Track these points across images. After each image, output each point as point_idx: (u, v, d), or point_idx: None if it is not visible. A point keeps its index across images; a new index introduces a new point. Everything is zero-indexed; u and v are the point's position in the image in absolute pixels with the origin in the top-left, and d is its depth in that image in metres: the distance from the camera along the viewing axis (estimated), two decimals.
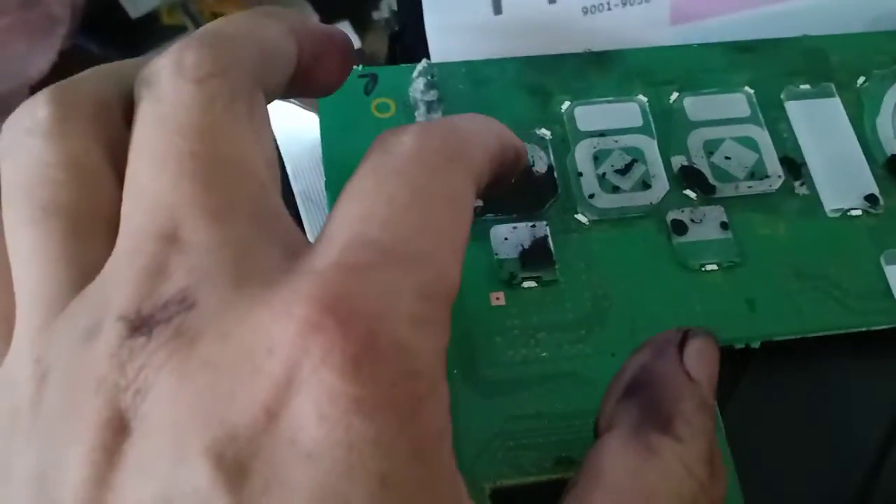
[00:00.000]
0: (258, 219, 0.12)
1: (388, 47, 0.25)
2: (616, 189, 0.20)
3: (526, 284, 0.18)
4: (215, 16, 0.40)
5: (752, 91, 0.21)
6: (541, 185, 0.20)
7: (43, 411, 0.11)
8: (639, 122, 0.21)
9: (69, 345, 0.11)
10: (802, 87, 0.21)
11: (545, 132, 0.20)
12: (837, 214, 0.20)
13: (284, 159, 0.23)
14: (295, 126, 0.24)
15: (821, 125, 0.21)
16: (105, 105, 0.12)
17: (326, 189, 0.20)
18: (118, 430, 0.10)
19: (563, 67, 0.22)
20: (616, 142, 0.20)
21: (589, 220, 0.19)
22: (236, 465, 0.10)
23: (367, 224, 0.11)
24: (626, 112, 0.21)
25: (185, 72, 0.12)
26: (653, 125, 0.21)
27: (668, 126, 0.21)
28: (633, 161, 0.20)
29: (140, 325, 0.10)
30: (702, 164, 0.20)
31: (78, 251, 0.11)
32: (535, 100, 0.21)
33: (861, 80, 0.22)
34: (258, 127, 0.12)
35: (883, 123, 0.21)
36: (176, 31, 0.37)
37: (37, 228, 0.11)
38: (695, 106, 0.21)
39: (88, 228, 0.12)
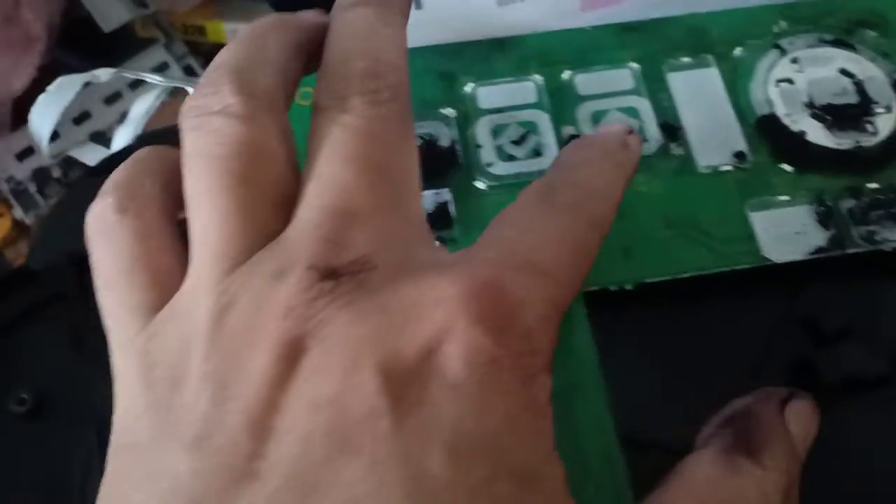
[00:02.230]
0: (418, 216, 0.15)
1: None
2: (511, 158, 0.22)
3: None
4: (186, 27, 0.43)
5: (637, 66, 0.24)
6: (444, 157, 0.22)
7: (225, 330, 0.13)
8: (534, 98, 0.23)
9: (257, 283, 0.13)
10: (683, 59, 0.24)
11: (450, 111, 0.23)
12: (709, 170, 0.22)
13: None
14: None
15: (698, 93, 0.23)
16: (278, 98, 0.15)
17: None
18: (299, 348, 0.12)
19: (468, 53, 0.24)
20: (512, 117, 0.23)
21: (487, 186, 0.22)
22: (398, 382, 0.12)
23: (521, 244, 0.14)
24: (523, 90, 0.23)
25: (372, 95, 0.14)
26: (546, 101, 0.23)
27: (560, 101, 0.23)
28: (527, 133, 0.23)
29: (328, 275, 0.13)
30: (588, 132, 0.23)
31: (259, 218, 0.14)
32: (442, 83, 0.24)
33: (738, 50, 0.24)
34: (413, 145, 0.15)
35: (755, 88, 0.23)
36: (149, 43, 0.40)
37: (227, 195, 0.14)
38: (585, 82, 0.24)
39: (270, 200, 0.14)
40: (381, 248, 0.13)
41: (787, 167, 0.22)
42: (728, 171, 0.22)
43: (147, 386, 0.13)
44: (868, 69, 0.23)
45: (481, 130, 0.23)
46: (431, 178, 0.22)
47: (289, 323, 0.12)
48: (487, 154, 0.22)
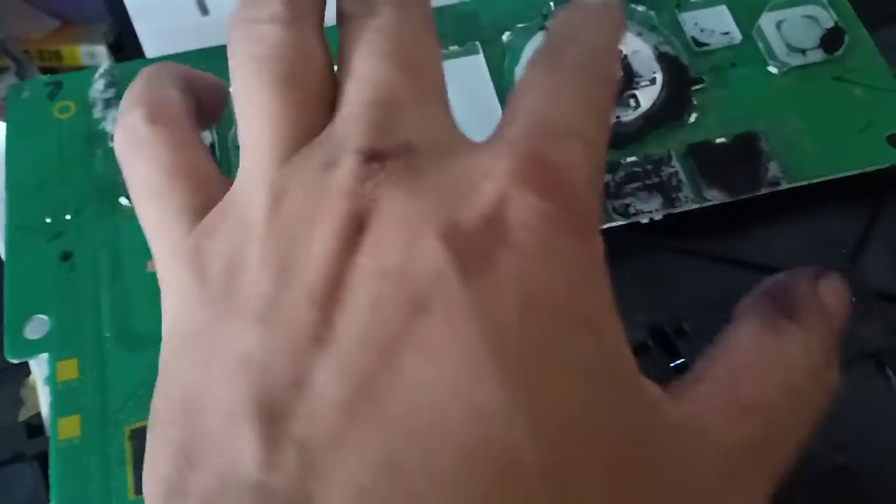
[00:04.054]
0: (448, 105, 0.15)
1: (110, 56, 0.27)
2: None
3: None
4: (42, 53, 0.42)
5: None
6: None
7: (281, 218, 0.13)
8: None
9: (307, 172, 0.13)
10: (452, 48, 0.24)
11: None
12: None
13: None
14: None
15: (464, 81, 0.23)
16: (317, 5, 0.15)
17: (7, 189, 0.22)
18: (356, 224, 0.13)
19: None
20: None
21: None
22: (462, 248, 0.12)
23: (547, 108, 0.14)
24: None
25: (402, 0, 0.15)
26: None
27: None
28: None
29: (374, 158, 0.13)
30: None
31: (304, 114, 0.14)
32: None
33: (506, 35, 0.24)
34: (438, 42, 0.16)
35: (520, 71, 0.23)
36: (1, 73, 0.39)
37: (274, 93, 0.14)
38: None
39: (314, 98, 0.14)
40: (421, 133, 0.14)
41: None
42: None
43: (201, 281, 0.13)
44: (634, 44, 0.23)
45: None
46: None
47: (344, 204, 0.13)
48: None
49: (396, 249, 0.12)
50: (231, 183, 0.14)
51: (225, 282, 0.13)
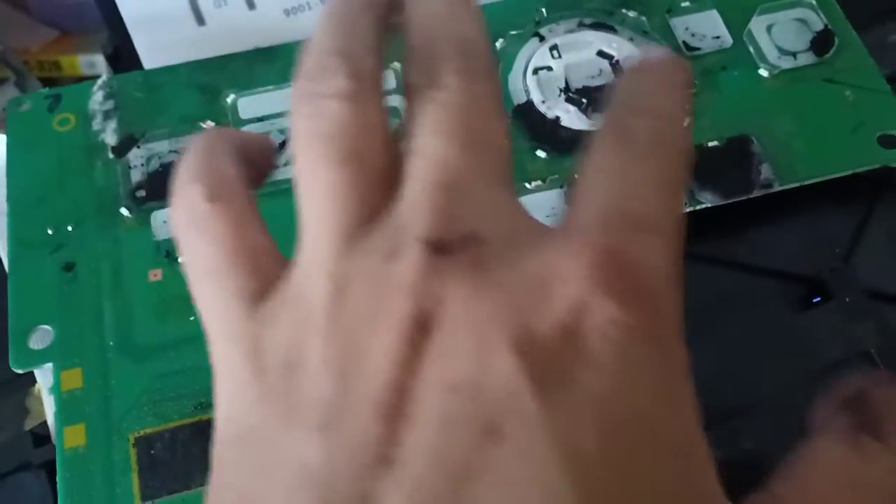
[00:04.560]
0: (512, 184, 0.14)
1: (109, 68, 0.28)
2: None
3: (182, 259, 0.21)
4: (42, 63, 0.43)
5: (399, 66, 0.24)
6: None
7: (343, 313, 0.12)
8: None
9: (370, 262, 0.13)
10: None
11: (210, 124, 0.23)
12: None
13: None
14: None
15: None
16: (379, 78, 0.15)
17: (8, 201, 0.22)
18: (421, 326, 0.12)
19: (232, 65, 0.24)
20: (273, 124, 0.23)
21: None
22: (537, 362, 0.11)
23: (621, 195, 0.13)
24: (285, 98, 0.23)
25: (469, 73, 0.14)
26: None
27: None
28: (287, 139, 0.23)
29: (440, 249, 0.12)
30: None
31: (367, 194, 0.13)
32: (204, 97, 0.23)
33: (500, 42, 0.24)
34: (505, 119, 0.15)
35: (514, 78, 0.23)
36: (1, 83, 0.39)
37: (338, 171, 0.13)
38: None
39: (377, 177, 0.14)
40: (488, 221, 0.13)
41: (541, 153, 0.22)
42: None
43: (258, 373, 0.13)
44: (626, 48, 0.24)
45: None
46: None
47: (408, 302, 0.12)
48: None
49: (466, 359, 0.12)
50: (289, 262, 0.14)
51: (283, 378, 0.12)
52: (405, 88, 0.15)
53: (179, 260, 0.21)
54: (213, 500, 0.13)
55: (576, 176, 0.14)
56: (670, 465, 0.12)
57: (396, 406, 0.12)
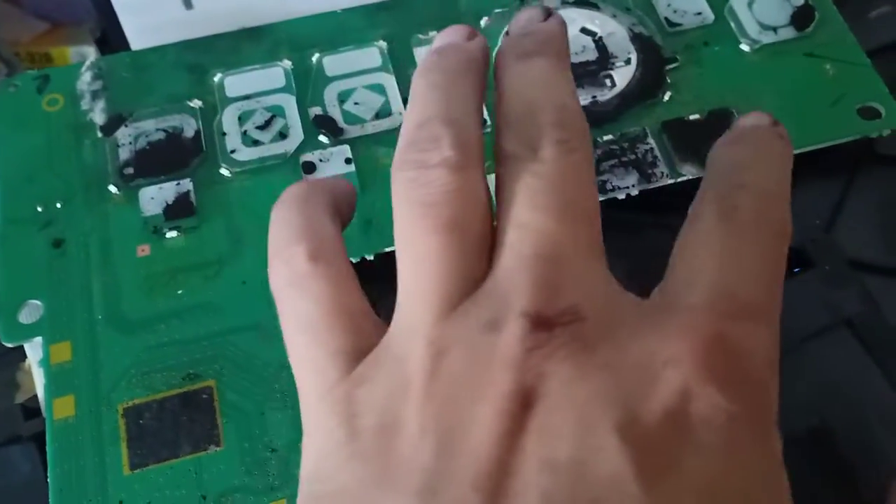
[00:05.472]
0: (604, 255, 0.14)
1: (98, 51, 0.28)
2: (256, 143, 0.22)
3: (169, 234, 0.21)
4: (33, 55, 0.43)
5: (385, 44, 0.24)
6: (187, 148, 0.22)
7: (442, 380, 0.12)
8: (282, 83, 0.23)
9: (470, 332, 0.13)
10: (431, 33, 0.24)
11: (197, 102, 0.23)
12: None
13: None
14: None
15: None
16: (482, 145, 0.15)
17: None
18: (523, 402, 0.12)
19: (219, 45, 0.24)
20: (259, 102, 0.23)
21: (231, 173, 0.22)
22: (641, 446, 0.12)
23: (727, 277, 0.13)
24: (271, 76, 0.24)
25: (567, 144, 0.14)
26: (294, 84, 0.23)
27: (308, 83, 0.23)
28: (273, 116, 0.23)
29: (541, 324, 0.12)
30: (334, 112, 0.23)
31: (468, 262, 0.14)
32: (191, 76, 0.24)
33: (485, 20, 0.24)
34: (597, 189, 0.15)
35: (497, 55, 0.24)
36: None
37: (441, 238, 0.14)
38: (332, 63, 0.24)
39: (477, 246, 0.14)
40: (587, 294, 0.13)
41: None
42: None
43: (352, 434, 0.13)
44: (608, 25, 0.24)
45: (227, 118, 0.23)
46: (175, 169, 0.22)
47: (510, 375, 0.12)
48: (232, 141, 0.22)
49: (568, 439, 0.12)
50: (386, 326, 0.14)
51: (379, 440, 0.12)
52: (499, 155, 0.15)
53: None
54: None
55: (677, 245, 0.14)
56: None
57: (497, 480, 0.11)
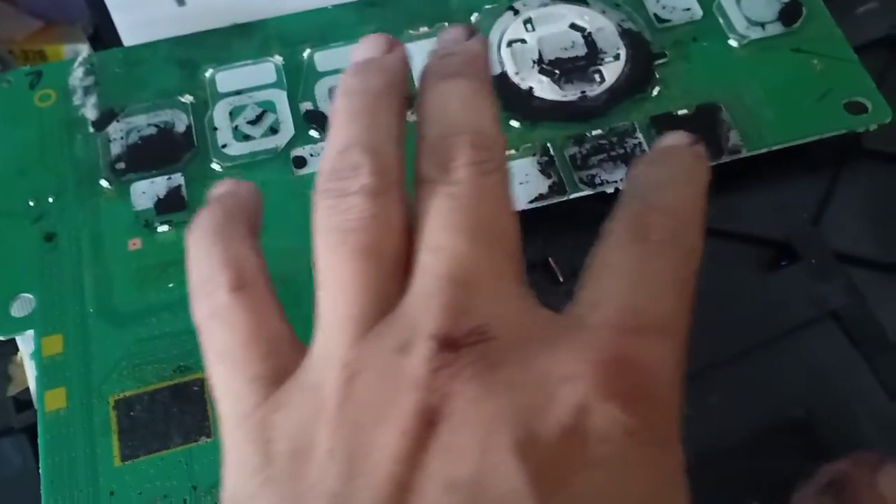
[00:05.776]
0: (524, 279, 0.14)
1: (91, 48, 0.28)
2: (247, 137, 0.23)
3: (160, 229, 0.21)
4: (27, 53, 0.43)
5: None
6: (179, 142, 0.22)
7: (352, 403, 0.13)
8: (273, 78, 0.24)
9: (381, 355, 0.13)
10: (422, 29, 0.24)
11: (188, 98, 0.23)
12: None
13: None
14: None
15: None
16: (402, 169, 0.15)
17: None
18: (427, 422, 0.12)
19: (210, 40, 0.24)
20: (251, 97, 0.23)
21: (222, 167, 0.22)
22: (537, 462, 0.12)
23: (635, 295, 0.14)
24: (262, 71, 0.24)
25: (479, 166, 0.14)
26: (285, 79, 0.23)
27: (299, 79, 0.23)
28: (264, 112, 0.23)
29: (448, 345, 0.13)
30: (325, 107, 0.23)
31: (383, 287, 0.14)
32: (183, 72, 0.24)
33: (475, 16, 0.25)
34: (515, 211, 0.15)
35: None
36: None
37: (357, 265, 0.14)
38: (324, 59, 0.24)
39: (392, 269, 0.14)
40: (497, 315, 0.13)
41: (515, 123, 0.23)
42: None
43: (266, 459, 0.13)
44: (598, 21, 0.24)
45: (219, 113, 0.23)
46: (166, 164, 0.22)
47: (414, 395, 0.12)
48: (223, 136, 0.23)
49: (468, 458, 0.12)
50: (304, 349, 0.14)
51: (291, 465, 0.13)
52: (416, 177, 0.15)
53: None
54: None
55: (589, 262, 0.14)
56: None
57: (398, 500, 0.12)
